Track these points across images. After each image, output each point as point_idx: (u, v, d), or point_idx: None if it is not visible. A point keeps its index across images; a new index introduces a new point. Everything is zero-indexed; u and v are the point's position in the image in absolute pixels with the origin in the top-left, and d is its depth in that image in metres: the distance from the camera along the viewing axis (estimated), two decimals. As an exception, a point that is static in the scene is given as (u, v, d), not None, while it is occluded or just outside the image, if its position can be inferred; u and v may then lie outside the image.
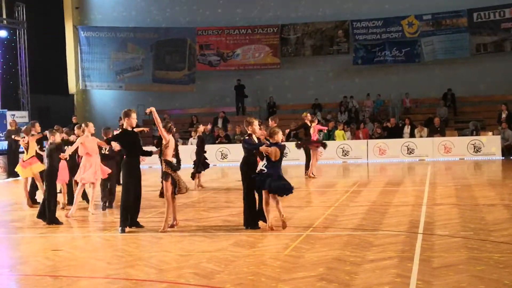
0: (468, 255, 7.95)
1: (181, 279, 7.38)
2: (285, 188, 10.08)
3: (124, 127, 10.93)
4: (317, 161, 19.01)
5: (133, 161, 10.78)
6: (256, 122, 10.58)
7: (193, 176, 16.82)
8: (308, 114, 18.77)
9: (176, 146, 10.96)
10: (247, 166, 10.39)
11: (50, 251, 9.27)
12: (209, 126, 16.82)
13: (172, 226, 10.75)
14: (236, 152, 24.46)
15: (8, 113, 24.78)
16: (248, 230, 10.25)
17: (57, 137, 11.92)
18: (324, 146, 18.99)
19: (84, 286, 7.44)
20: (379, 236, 9.47)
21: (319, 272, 7.38)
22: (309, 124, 18.34)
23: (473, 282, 6.73)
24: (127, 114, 10.83)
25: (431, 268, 7.36)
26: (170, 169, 10.57)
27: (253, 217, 10.40)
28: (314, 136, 18.80)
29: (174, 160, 10.87)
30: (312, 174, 18.42)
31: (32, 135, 14.30)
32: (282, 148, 10.14)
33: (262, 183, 9.94)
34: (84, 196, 13.69)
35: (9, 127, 20.59)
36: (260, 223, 10.44)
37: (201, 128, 17.58)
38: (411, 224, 10.29)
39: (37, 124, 14.85)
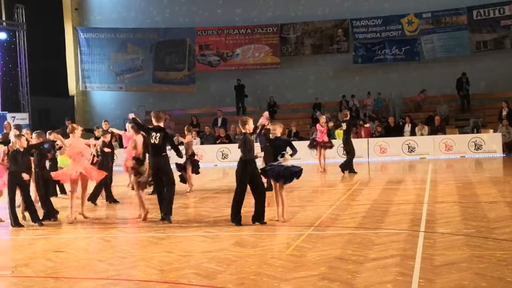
0: (470, 252, 7.93)
1: (183, 279, 7.37)
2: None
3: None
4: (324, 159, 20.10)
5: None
6: (251, 121, 10.80)
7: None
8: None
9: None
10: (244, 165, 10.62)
11: (52, 253, 9.25)
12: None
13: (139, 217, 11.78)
14: (237, 152, 24.46)
15: (9, 115, 24.80)
16: (249, 230, 10.25)
17: (23, 142, 11.61)
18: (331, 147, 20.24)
19: (86, 287, 7.43)
20: (381, 234, 9.46)
21: (321, 271, 7.37)
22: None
23: (475, 279, 6.71)
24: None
25: (433, 266, 7.34)
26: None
27: (261, 212, 10.58)
28: (323, 136, 19.67)
29: None
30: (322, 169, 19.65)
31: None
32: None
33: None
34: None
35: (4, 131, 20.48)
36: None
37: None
38: (412, 222, 10.27)
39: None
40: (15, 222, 11.63)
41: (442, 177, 17.56)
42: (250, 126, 10.67)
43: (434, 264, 7.46)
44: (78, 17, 32.35)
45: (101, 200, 14.90)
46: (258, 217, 10.65)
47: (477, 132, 24.75)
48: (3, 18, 27.39)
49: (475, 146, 23.71)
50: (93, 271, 8.09)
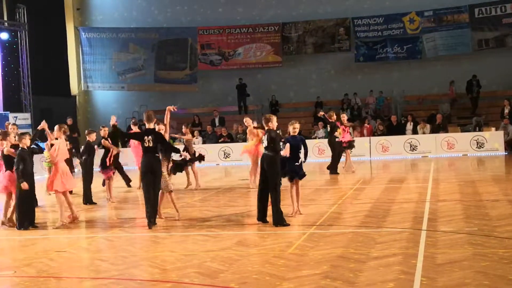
0: (473, 251, 7.93)
1: (185, 278, 7.37)
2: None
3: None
4: (346, 158, 19.67)
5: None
6: (275, 119, 10.97)
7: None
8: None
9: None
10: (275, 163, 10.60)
11: (54, 252, 9.27)
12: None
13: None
14: (239, 151, 24.47)
15: (11, 115, 24.82)
16: (251, 229, 10.26)
17: (27, 141, 11.46)
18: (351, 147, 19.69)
19: (88, 287, 7.44)
20: (383, 233, 9.46)
21: (323, 270, 7.37)
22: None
23: (477, 278, 6.71)
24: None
25: (435, 265, 7.34)
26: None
27: (280, 214, 10.47)
28: (345, 134, 19.43)
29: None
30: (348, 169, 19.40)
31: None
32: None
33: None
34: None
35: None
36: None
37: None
38: (414, 221, 10.27)
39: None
40: (20, 225, 11.37)
41: (444, 175, 17.54)
42: (273, 124, 10.81)
43: (436, 262, 7.46)
44: (79, 17, 32.37)
45: (97, 196, 14.94)
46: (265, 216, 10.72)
47: (479, 131, 24.73)
48: (5, 18, 27.41)
49: (477, 144, 23.69)
50: (95, 271, 8.10)
